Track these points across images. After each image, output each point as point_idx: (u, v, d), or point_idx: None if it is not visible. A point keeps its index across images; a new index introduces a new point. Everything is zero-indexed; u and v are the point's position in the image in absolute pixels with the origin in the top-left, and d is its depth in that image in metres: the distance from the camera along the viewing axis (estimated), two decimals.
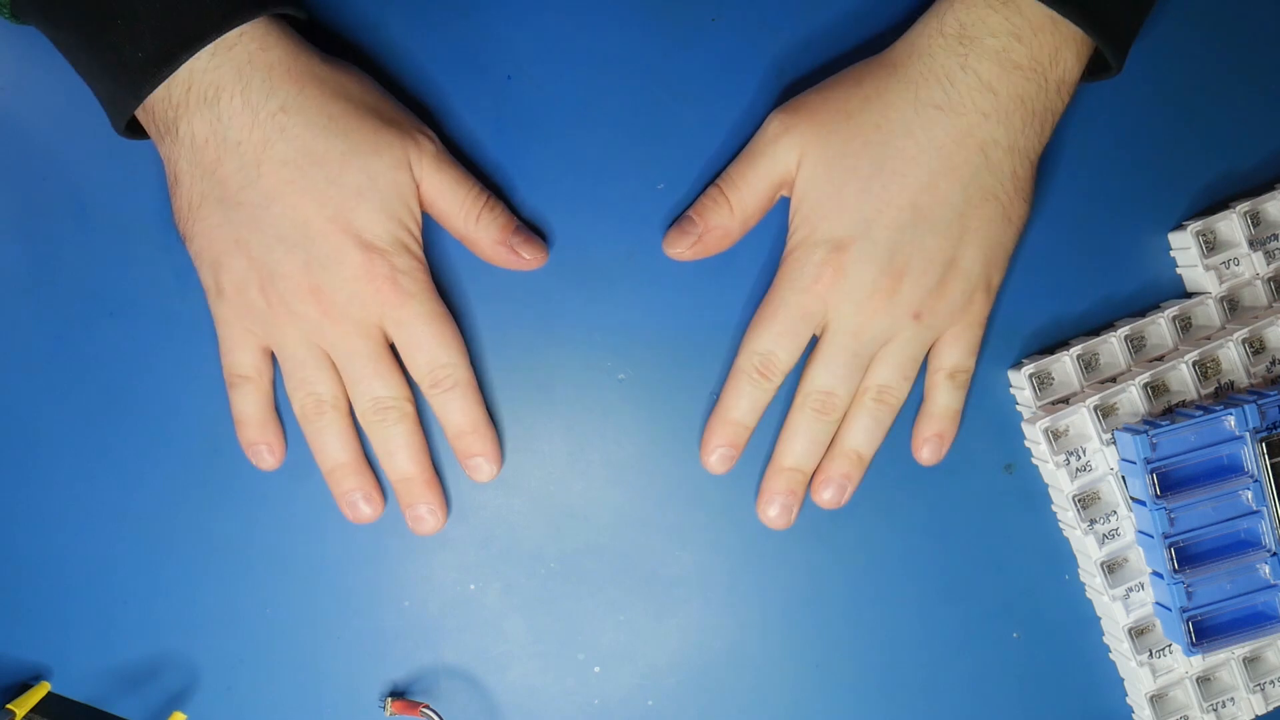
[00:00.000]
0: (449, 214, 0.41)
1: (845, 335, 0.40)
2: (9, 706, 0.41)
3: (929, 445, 0.43)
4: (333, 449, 0.41)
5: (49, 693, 0.43)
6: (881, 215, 0.39)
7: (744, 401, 0.42)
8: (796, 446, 0.42)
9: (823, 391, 0.41)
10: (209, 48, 0.37)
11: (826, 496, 0.43)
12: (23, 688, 0.43)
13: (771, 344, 0.41)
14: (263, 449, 0.42)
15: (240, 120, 0.37)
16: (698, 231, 0.42)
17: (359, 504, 0.42)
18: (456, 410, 0.41)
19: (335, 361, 0.40)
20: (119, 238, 0.43)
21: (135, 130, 0.40)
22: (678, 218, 0.43)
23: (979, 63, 0.38)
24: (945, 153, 0.39)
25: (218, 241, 0.39)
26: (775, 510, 0.43)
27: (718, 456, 0.43)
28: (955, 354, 0.42)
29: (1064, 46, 0.38)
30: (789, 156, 0.40)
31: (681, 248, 0.42)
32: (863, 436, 0.42)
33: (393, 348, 0.41)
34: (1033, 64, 0.38)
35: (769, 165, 0.41)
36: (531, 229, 0.43)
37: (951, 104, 0.38)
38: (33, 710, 0.42)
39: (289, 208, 0.38)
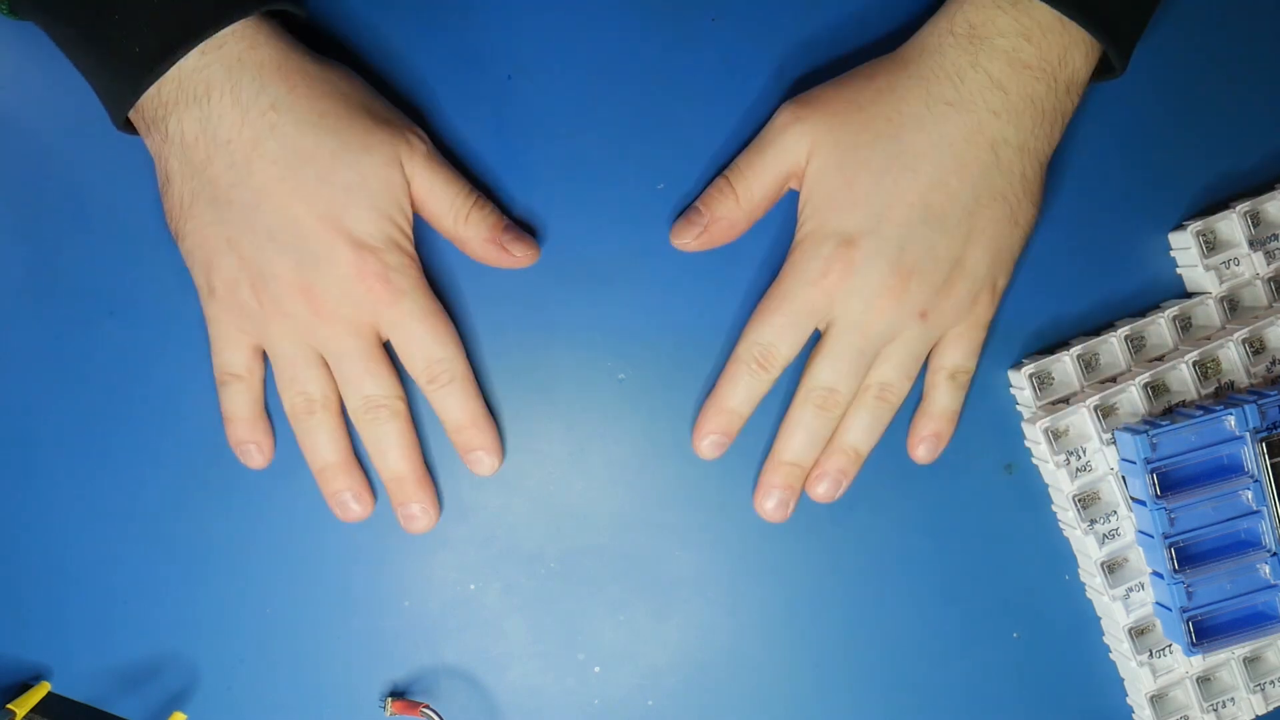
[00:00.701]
0: (438, 214, 0.40)
1: (851, 332, 0.40)
2: (9, 706, 0.41)
3: (925, 444, 0.43)
4: (323, 448, 0.41)
5: (49, 693, 0.43)
6: (892, 211, 0.39)
7: (740, 391, 0.42)
8: (796, 441, 0.42)
9: (825, 388, 0.41)
10: (199, 46, 0.36)
11: (821, 491, 0.43)
12: (23, 688, 0.43)
13: (774, 336, 0.41)
14: (251, 448, 0.42)
15: (230, 118, 0.37)
16: (704, 222, 0.42)
17: (349, 503, 0.42)
18: (455, 405, 0.41)
19: (327, 360, 0.40)
20: (119, 238, 0.43)
21: (132, 126, 0.39)
22: (685, 209, 0.43)
23: (989, 61, 0.38)
24: (956, 150, 0.39)
25: (209, 240, 0.39)
26: (772, 504, 0.43)
27: (709, 443, 0.42)
28: (957, 354, 0.42)
29: (1072, 47, 0.38)
30: (799, 147, 0.40)
31: (687, 238, 0.42)
32: (861, 434, 0.42)
33: (388, 346, 0.41)
34: (1041, 64, 0.38)
35: (778, 156, 0.41)
36: (524, 228, 0.43)
37: (962, 101, 0.38)
38: (33, 710, 0.42)
39: (279, 206, 0.38)
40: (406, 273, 0.40)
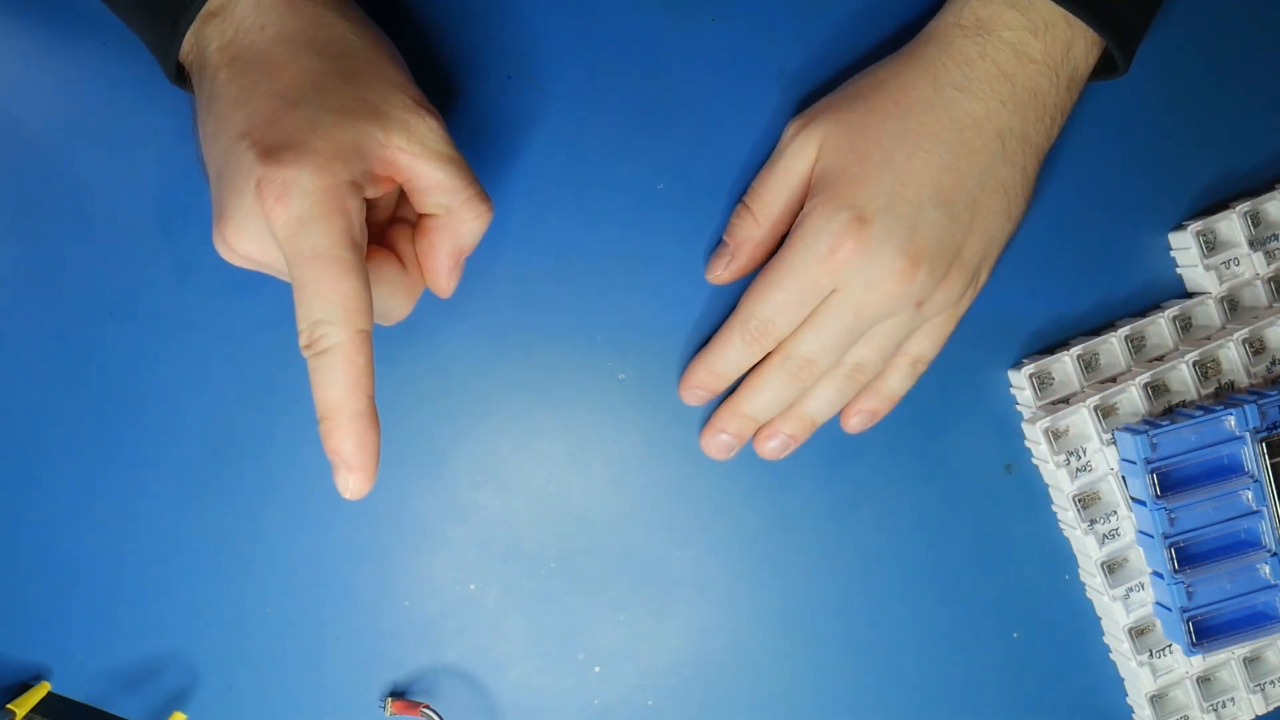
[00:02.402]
0: (434, 185, 0.35)
1: (847, 310, 0.39)
2: (9, 706, 0.41)
3: (862, 417, 0.43)
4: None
5: (49, 693, 0.43)
6: (905, 189, 0.38)
7: (731, 356, 0.41)
8: (760, 399, 0.41)
9: (805, 358, 0.40)
10: None
11: (769, 447, 0.42)
12: (23, 688, 0.43)
13: (773, 311, 0.40)
14: None
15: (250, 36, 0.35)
16: (730, 251, 0.42)
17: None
18: (321, 382, 0.32)
19: None
20: (119, 238, 0.43)
21: (185, 81, 0.37)
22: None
23: (996, 53, 0.38)
24: (965, 135, 0.38)
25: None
26: (717, 445, 0.43)
27: (695, 396, 0.43)
28: (926, 344, 0.41)
29: (1075, 43, 0.38)
30: (807, 150, 0.40)
31: (719, 270, 0.42)
32: (824, 406, 0.42)
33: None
34: (1047, 59, 0.38)
35: (788, 165, 0.40)
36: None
37: (970, 87, 0.38)
38: (33, 710, 0.42)
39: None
40: (316, 198, 0.31)
